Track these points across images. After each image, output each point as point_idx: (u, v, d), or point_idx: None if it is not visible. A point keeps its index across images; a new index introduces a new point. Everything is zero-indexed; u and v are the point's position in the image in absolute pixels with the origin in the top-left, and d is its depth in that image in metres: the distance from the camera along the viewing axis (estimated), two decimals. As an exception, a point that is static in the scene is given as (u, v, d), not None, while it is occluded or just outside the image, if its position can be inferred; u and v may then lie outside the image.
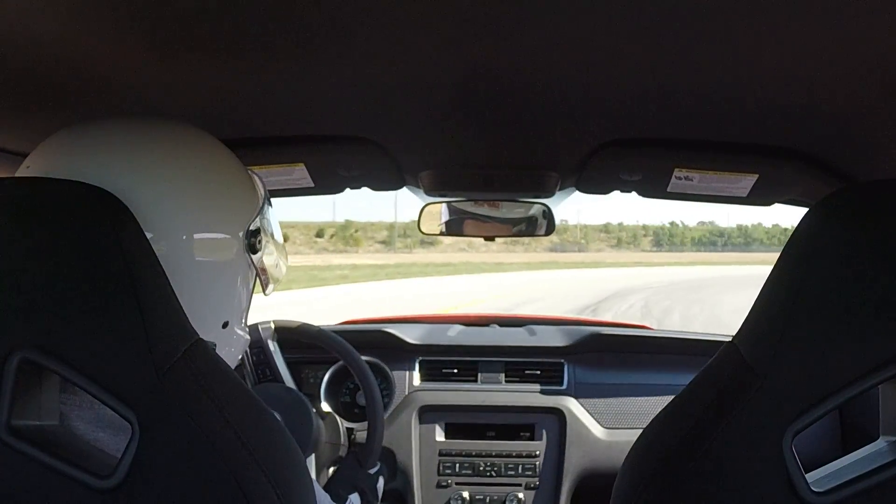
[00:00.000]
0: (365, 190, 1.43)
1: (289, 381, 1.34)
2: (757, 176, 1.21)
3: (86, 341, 0.52)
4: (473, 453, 1.71)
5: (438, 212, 1.60)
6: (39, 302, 0.52)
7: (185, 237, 0.68)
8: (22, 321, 0.52)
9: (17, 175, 0.65)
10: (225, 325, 0.75)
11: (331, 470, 1.28)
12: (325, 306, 13.64)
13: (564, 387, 1.75)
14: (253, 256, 0.76)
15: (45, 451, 0.52)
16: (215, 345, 0.72)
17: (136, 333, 0.52)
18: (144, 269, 0.54)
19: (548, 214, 1.57)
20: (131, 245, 0.54)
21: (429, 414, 1.73)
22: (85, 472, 0.52)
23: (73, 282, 0.52)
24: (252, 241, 0.75)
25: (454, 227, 1.61)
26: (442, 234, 1.65)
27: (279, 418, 1.22)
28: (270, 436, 0.59)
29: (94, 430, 0.59)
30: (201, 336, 0.68)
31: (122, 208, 0.55)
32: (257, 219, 0.77)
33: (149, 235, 0.62)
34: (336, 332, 1.39)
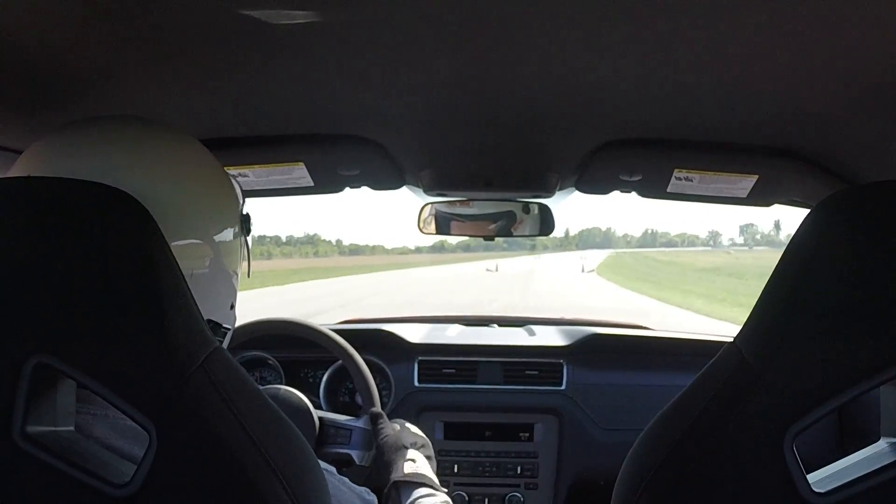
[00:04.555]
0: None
1: None
2: (757, 177, 1.21)
3: (103, 348, 0.51)
4: (472, 453, 1.71)
5: (432, 212, 1.61)
6: (57, 306, 0.51)
7: (205, 235, 0.70)
8: (39, 325, 0.51)
9: (12, 174, 0.65)
10: (231, 306, 0.77)
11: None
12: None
13: (563, 387, 1.75)
14: (246, 238, 0.81)
15: (61, 458, 0.51)
16: (229, 329, 0.75)
17: (156, 341, 0.51)
18: (165, 276, 0.53)
19: (545, 214, 1.57)
20: (153, 250, 0.53)
21: (428, 414, 1.73)
22: (101, 480, 0.51)
23: (93, 286, 0.51)
24: (248, 225, 0.80)
25: (443, 227, 1.61)
26: (435, 233, 1.65)
27: None
28: (289, 446, 0.58)
29: (110, 439, 0.59)
30: (218, 321, 0.70)
31: (143, 212, 0.54)
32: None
33: (178, 240, 0.65)
34: (335, 331, 1.38)
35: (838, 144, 1.08)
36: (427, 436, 1.71)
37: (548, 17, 0.67)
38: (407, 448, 1.18)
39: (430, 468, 1.17)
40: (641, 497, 0.55)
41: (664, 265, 46.88)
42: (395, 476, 1.10)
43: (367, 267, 46.14)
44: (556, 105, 0.99)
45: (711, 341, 1.87)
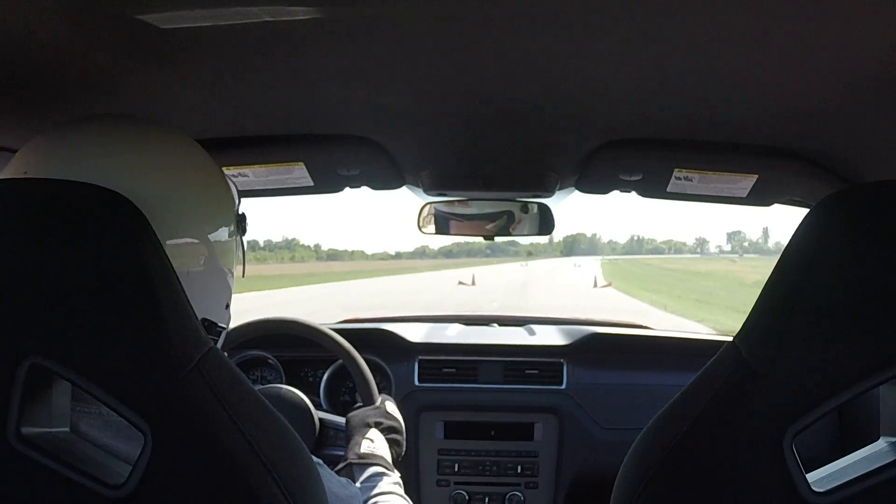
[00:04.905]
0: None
1: None
2: (756, 177, 1.21)
3: (99, 349, 0.51)
4: (473, 452, 1.72)
5: (431, 212, 1.61)
6: (51, 307, 0.51)
7: (200, 234, 0.70)
8: (33, 326, 0.51)
9: (4, 175, 0.65)
10: (227, 305, 0.77)
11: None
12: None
13: (563, 387, 1.75)
14: (242, 238, 0.81)
15: (56, 459, 0.51)
16: (225, 328, 0.75)
17: (152, 342, 0.51)
18: (160, 277, 0.53)
19: (544, 214, 1.57)
20: (147, 251, 0.53)
21: (428, 413, 1.73)
22: (96, 481, 0.51)
23: (88, 288, 0.51)
24: (243, 225, 0.80)
25: (442, 226, 1.61)
26: (434, 233, 1.65)
27: None
28: (285, 447, 0.58)
29: (104, 437, 0.59)
30: (213, 319, 0.71)
31: (137, 213, 0.54)
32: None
33: (172, 239, 0.65)
34: (336, 330, 1.38)
35: (838, 144, 1.08)
36: (427, 435, 1.73)
37: (547, 18, 0.67)
38: (370, 427, 1.18)
39: (390, 450, 1.17)
40: (641, 496, 0.55)
41: (693, 276, 35.72)
42: (349, 456, 1.11)
43: (323, 275, 37.99)
44: (556, 105, 0.99)
45: (711, 341, 1.87)
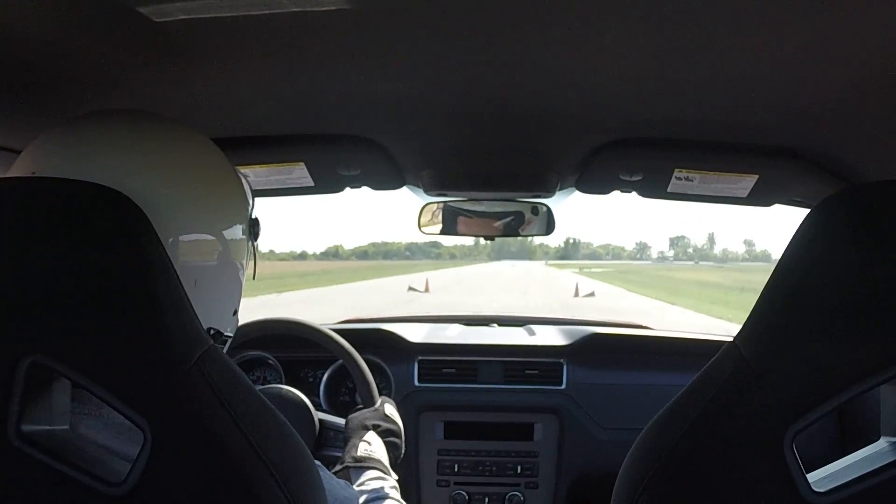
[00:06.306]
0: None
1: None
2: (757, 177, 1.21)
3: (99, 347, 0.51)
4: (472, 453, 1.72)
5: (434, 212, 1.60)
6: (52, 305, 0.51)
7: (206, 236, 0.69)
8: (33, 324, 0.51)
9: (11, 174, 0.65)
10: (234, 312, 0.76)
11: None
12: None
13: (563, 387, 1.75)
14: (253, 244, 0.79)
15: (56, 457, 0.51)
16: (231, 337, 0.74)
17: (151, 340, 0.52)
18: (160, 275, 0.53)
19: (547, 214, 1.57)
20: (148, 250, 0.53)
21: (428, 413, 1.73)
22: (96, 479, 0.51)
23: (88, 286, 0.51)
24: (256, 230, 0.78)
25: (449, 223, 1.61)
26: (440, 233, 1.65)
27: None
28: (284, 444, 0.58)
29: (106, 439, 0.59)
30: (219, 328, 0.70)
31: (138, 212, 0.54)
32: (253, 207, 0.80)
33: (171, 238, 0.64)
34: (336, 330, 1.38)
35: (838, 144, 1.08)
36: (427, 435, 1.73)
37: (547, 18, 0.68)
38: (368, 429, 1.17)
39: (388, 453, 1.16)
40: (641, 496, 0.55)
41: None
42: (346, 459, 1.10)
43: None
44: (556, 105, 0.99)
45: (711, 341, 1.87)
